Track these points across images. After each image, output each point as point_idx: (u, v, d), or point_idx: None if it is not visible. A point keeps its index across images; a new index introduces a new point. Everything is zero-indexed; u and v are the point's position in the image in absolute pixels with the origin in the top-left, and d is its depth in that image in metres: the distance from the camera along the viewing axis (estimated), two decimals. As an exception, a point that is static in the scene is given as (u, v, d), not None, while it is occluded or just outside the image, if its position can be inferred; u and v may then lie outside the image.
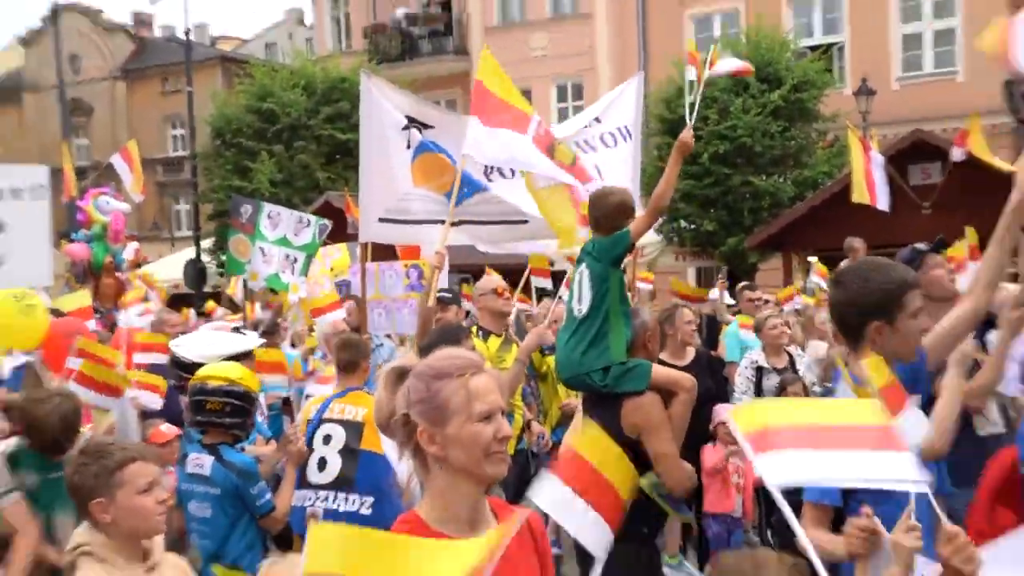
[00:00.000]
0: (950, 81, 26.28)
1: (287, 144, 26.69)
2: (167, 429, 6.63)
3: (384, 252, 9.18)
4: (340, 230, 12.78)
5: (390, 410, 2.85)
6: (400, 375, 2.79)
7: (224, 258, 14.97)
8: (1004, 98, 13.71)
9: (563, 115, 27.55)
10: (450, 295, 9.09)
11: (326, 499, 5.30)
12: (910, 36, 27.58)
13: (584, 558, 5.03)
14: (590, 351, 5.25)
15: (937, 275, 5.79)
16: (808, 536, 3.10)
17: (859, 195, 10.44)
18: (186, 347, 7.73)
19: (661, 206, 5.59)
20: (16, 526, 4.77)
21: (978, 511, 4.04)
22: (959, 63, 26.44)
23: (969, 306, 3.85)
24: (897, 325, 3.51)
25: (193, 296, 22.26)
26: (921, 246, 6.06)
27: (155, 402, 6.34)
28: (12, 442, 5.45)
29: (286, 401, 8.81)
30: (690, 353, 7.64)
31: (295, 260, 10.75)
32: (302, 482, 5.44)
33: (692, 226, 23.71)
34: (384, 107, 7.43)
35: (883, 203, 10.25)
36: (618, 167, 7.38)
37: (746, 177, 23.01)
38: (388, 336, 8.74)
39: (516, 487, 6.99)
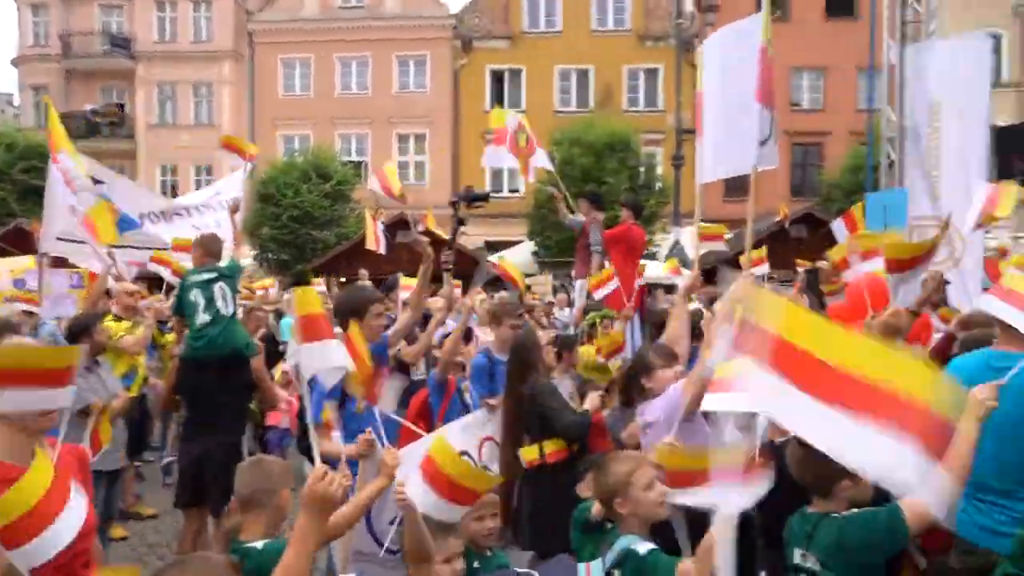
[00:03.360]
0: (420, 188, 27.11)
1: (-10, 184, 21.93)
2: None
3: (56, 262, 7.64)
4: (27, 245, 10.49)
5: None
6: None
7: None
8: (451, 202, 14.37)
9: (199, 185, 25.03)
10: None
11: None
12: (402, 162, 28.01)
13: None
14: (235, 334, 4.89)
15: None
16: (323, 446, 2.81)
17: (370, 245, 10.34)
18: None
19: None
20: None
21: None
22: (426, 178, 27.41)
23: (409, 317, 3.88)
24: (367, 321, 3.39)
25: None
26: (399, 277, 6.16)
27: None
28: None
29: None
30: (260, 332, 7.05)
31: (-21, 261, 8.64)
32: None
33: (276, 256, 22.49)
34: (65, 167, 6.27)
35: (382, 250, 10.25)
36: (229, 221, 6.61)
37: (309, 231, 22.16)
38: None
39: (138, 421, 5.95)
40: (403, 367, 4.93)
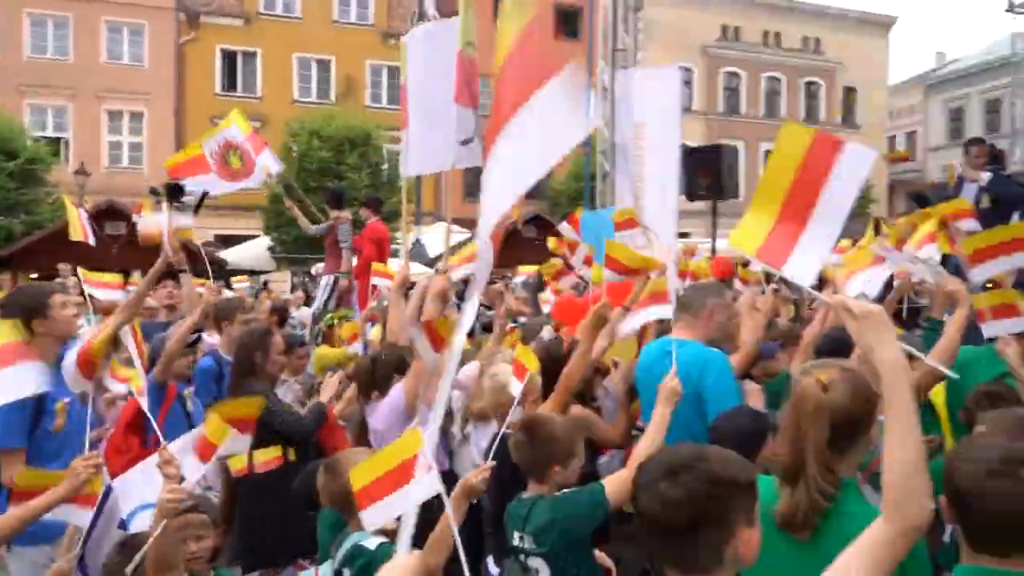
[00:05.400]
0: (136, 173, 24.33)
1: None
2: None
3: None
4: None
5: None
6: None
7: None
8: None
9: None
10: None
11: None
12: (113, 142, 25.03)
13: None
14: None
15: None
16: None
17: (75, 235, 9.03)
18: None
19: None
20: None
21: (116, 437, 3.54)
22: (144, 162, 24.63)
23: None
24: (53, 316, 2.97)
25: None
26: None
27: None
28: None
29: None
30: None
31: None
32: None
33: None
34: None
35: (91, 241, 9.01)
36: None
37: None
38: None
39: None
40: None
